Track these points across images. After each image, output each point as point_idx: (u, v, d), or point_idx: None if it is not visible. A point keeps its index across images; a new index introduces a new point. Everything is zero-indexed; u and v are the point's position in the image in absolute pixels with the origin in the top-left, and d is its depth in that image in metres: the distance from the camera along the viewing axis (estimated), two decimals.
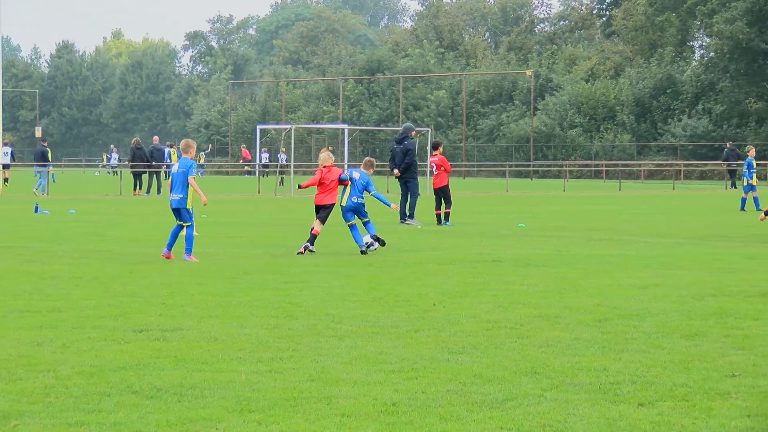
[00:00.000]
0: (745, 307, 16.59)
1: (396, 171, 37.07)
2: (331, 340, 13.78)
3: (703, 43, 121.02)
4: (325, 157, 26.98)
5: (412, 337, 14.06)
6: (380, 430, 9.51)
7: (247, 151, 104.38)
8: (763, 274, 21.18)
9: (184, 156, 24.29)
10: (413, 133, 38.69)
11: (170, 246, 23.78)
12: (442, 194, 35.81)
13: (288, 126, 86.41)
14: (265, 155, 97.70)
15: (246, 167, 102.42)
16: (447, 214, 35.66)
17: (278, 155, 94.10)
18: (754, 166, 46.92)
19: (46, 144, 68.49)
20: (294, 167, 73.51)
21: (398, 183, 37.89)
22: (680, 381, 11.31)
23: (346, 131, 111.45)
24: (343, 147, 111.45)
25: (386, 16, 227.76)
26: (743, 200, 46.44)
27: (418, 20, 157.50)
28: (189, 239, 23.64)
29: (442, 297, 17.86)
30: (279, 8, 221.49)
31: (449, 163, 37.66)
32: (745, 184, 46.87)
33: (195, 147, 25.22)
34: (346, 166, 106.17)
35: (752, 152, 49.13)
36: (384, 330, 14.55)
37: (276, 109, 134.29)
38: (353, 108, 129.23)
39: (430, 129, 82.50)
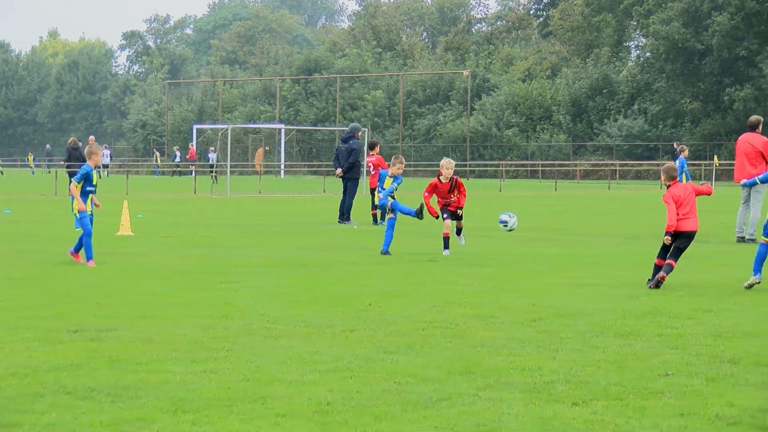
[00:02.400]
0: (678, 306, 16.71)
1: (339, 170, 37.10)
2: (266, 340, 13.76)
3: (639, 44, 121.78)
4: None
5: (348, 337, 14.06)
6: (314, 429, 9.49)
7: (194, 150, 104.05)
8: (698, 273, 21.35)
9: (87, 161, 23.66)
10: (359, 133, 38.75)
11: (77, 248, 23.34)
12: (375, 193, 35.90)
13: (224, 126, 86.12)
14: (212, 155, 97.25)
15: (176, 167, 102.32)
16: (376, 215, 35.73)
17: (208, 155, 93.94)
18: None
19: None
20: (230, 167, 73.21)
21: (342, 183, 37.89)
22: (614, 380, 11.37)
23: (282, 131, 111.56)
24: (280, 147, 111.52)
25: (324, 16, 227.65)
26: None
27: (355, 20, 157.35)
28: (82, 245, 23.09)
29: (378, 297, 17.85)
30: (216, 8, 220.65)
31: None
32: None
33: (100, 153, 24.78)
34: (282, 166, 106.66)
35: (685, 152, 49.58)
36: (319, 330, 14.54)
37: (213, 109, 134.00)
38: (290, 108, 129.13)
39: (367, 129, 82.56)
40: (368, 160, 37.84)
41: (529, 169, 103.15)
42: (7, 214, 41.05)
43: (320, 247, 27.09)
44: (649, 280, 19.47)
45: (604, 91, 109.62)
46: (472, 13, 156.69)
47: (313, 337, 14.05)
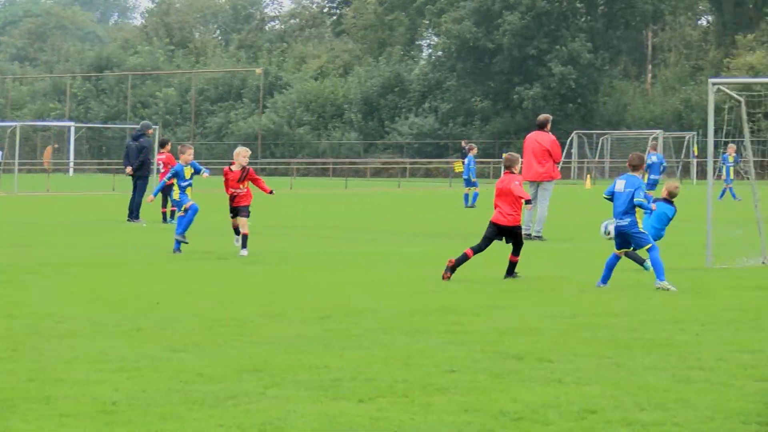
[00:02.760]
0: (465, 302, 16.94)
1: (129, 168, 36.71)
2: (52, 340, 13.57)
3: (432, 42, 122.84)
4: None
5: (134, 335, 13.95)
6: (99, 429, 9.38)
7: None
8: (484, 269, 21.63)
9: None
10: (150, 131, 38.47)
11: None
12: (169, 192, 35.66)
13: (13, 123, 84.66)
14: None
15: None
16: (173, 212, 35.52)
17: None
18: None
19: None
20: (18, 165, 72.01)
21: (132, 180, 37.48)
22: (400, 377, 11.47)
23: (72, 129, 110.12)
24: (69, 144, 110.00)
25: (117, 14, 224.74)
26: (466, 196, 47.44)
27: (148, 17, 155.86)
28: None
29: (166, 295, 17.76)
30: (7, 4, 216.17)
31: (175, 160, 37.50)
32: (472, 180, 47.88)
33: None
34: (71, 164, 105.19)
35: (474, 150, 50.26)
36: (106, 329, 14.40)
37: (1, 106, 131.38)
38: (80, 105, 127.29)
39: (158, 127, 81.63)
40: (158, 158, 37.51)
41: (320, 167, 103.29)
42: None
43: (108, 246, 26.84)
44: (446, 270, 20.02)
45: (395, 89, 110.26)
46: (266, 11, 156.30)
47: (100, 336, 13.91)
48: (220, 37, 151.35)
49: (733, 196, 51.06)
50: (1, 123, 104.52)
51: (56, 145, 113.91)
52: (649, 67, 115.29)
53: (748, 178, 25.77)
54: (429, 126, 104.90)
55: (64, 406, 10.16)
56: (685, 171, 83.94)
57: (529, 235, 28.81)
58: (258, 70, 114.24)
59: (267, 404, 10.31)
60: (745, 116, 24.01)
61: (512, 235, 20.53)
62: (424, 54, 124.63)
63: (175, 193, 26.42)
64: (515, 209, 20.46)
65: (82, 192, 64.20)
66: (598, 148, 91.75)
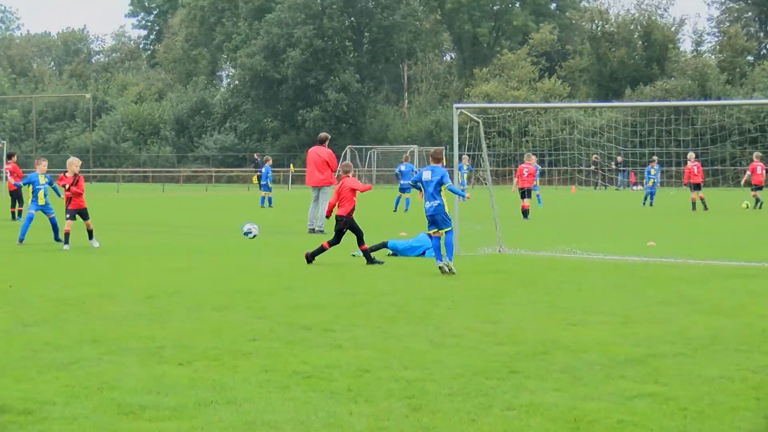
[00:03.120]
0: (262, 285, 16.93)
1: None
2: None
3: (230, 73, 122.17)
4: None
5: None
6: None
7: None
8: (278, 257, 21.65)
9: None
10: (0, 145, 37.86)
11: None
12: (15, 196, 35.17)
13: None
14: None
15: None
16: (20, 212, 34.91)
17: None
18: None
19: None
20: None
21: None
22: (212, 344, 11.44)
23: None
24: None
25: None
26: (263, 199, 47.33)
27: None
28: None
29: (18, 280, 17.37)
30: None
31: (21, 170, 36.89)
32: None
33: None
34: None
35: (269, 162, 50.15)
36: None
37: None
38: None
39: (5, 142, 79.54)
40: (6, 167, 36.72)
41: (141, 174, 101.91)
42: None
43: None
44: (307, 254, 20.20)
45: (201, 111, 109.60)
46: (92, 46, 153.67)
47: None
48: (54, 68, 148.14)
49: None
50: None
51: None
52: (406, 94, 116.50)
53: (485, 184, 26.21)
54: (230, 141, 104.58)
55: None
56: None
57: (313, 229, 28.92)
58: (87, 95, 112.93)
59: (104, 368, 10.20)
60: (482, 133, 24.45)
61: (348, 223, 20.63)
62: (224, 83, 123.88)
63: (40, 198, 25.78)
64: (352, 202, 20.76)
65: None
66: (367, 159, 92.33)
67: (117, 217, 38.33)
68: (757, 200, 43.46)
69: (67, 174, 24.39)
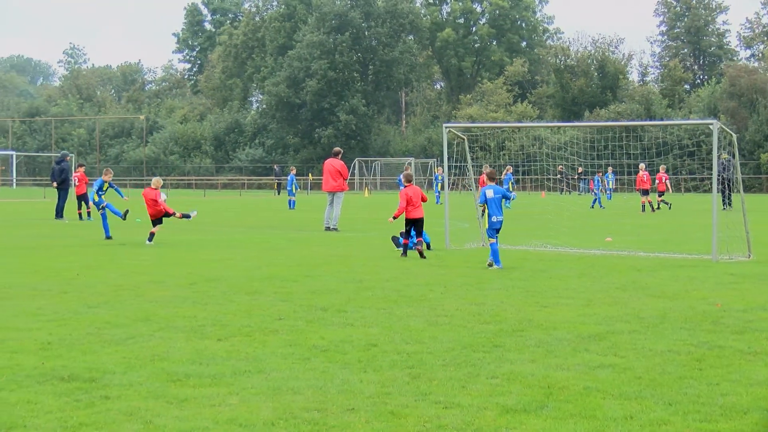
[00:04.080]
0: (288, 273, 16.85)
1: (54, 183, 36.35)
2: (3, 301, 13.16)
3: (258, 99, 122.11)
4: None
5: (62, 297, 13.55)
6: (38, 360, 9.14)
7: None
8: (300, 250, 21.58)
9: None
10: (68, 157, 37.94)
11: None
12: (82, 199, 35.22)
13: None
14: None
15: None
16: (88, 213, 34.97)
17: None
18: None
19: None
20: None
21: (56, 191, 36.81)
22: (245, 323, 11.36)
23: (14, 156, 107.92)
24: (12, 167, 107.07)
25: (41, 77, 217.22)
26: (290, 202, 47.10)
27: (64, 80, 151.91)
28: None
29: (83, 269, 17.32)
30: None
31: (87, 178, 36.90)
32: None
33: None
34: (14, 180, 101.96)
35: (294, 171, 50.08)
36: (41, 292, 13.97)
37: None
38: (19, 140, 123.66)
39: (73, 155, 79.47)
40: (75, 175, 36.69)
41: (186, 182, 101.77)
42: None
43: (41, 236, 25.94)
44: (402, 253, 20.01)
45: (235, 129, 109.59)
46: (145, 76, 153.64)
47: (37, 297, 13.48)
48: (114, 94, 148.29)
49: (437, 200, 49.28)
50: None
51: (3, 168, 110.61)
52: (404, 116, 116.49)
53: (470, 190, 26.10)
54: (259, 154, 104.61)
55: (13, 346, 9.88)
56: (429, 185, 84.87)
57: (329, 227, 28.83)
58: (141, 117, 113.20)
59: (155, 342, 10.12)
60: (467, 148, 24.36)
61: (418, 222, 20.35)
62: (253, 106, 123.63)
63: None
64: (420, 207, 20.48)
65: (22, 199, 62.10)
66: (372, 169, 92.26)
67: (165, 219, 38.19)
68: (654, 204, 42.83)
69: (152, 185, 24.27)
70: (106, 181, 26.11)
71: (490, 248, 18.09)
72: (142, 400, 7.68)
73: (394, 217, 20.82)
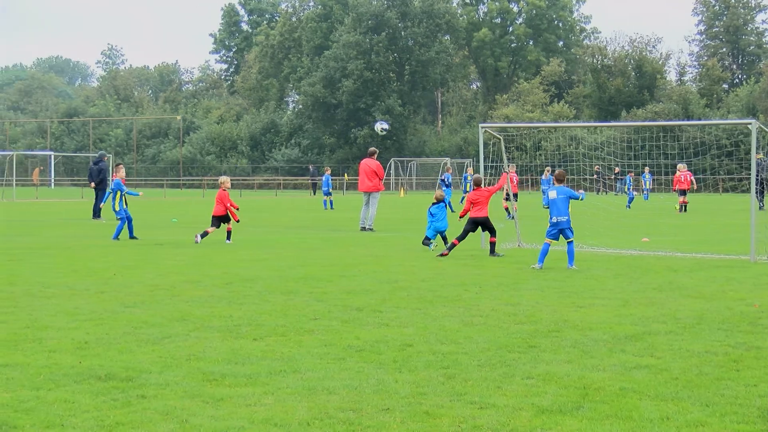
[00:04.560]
0: (322, 273, 16.86)
1: (92, 183, 36.57)
2: (41, 300, 13.22)
3: (294, 99, 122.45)
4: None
5: (99, 296, 13.64)
6: (75, 359, 9.19)
7: None
8: (335, 251, 21.60)
9: None
10: (106, 158, 38.14)
11: None
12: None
13: (10, 152, 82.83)
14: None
15: None
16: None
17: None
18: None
19: None
20: (15, 181, 70.49)
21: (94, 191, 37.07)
22: (280, 323, 11.38)
23: (52, 156, 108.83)
24: (50, 167, 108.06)
25: (80, 78, 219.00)
26: (325, 202, 47.28)
27: (101, 81, 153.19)
28: None
29: (120, 269, 17.42)
30: (2, 71, 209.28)
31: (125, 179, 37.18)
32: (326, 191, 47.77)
33: None
34: (52, 180, 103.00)
35: (329, 171, 50.12)
36: (79, 292, 14.06)
37: (2, 141, 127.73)
38: (57, 140, 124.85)
39: (111, 155, 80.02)
40: (114, 175, 37.03)
41: None
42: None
43: (79, 236, 26.15)
44: (441, 253, 20.02)
45: (271, 130, 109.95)
46: (182, 77, 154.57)
47: (75, 297, 13.58)
48: (151, 95, 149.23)
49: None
50: (1, 152, 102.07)
51: (42, 168, 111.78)
52: (440, 116, 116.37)
53: (505, 189, 26.03)
54: (295, 155, 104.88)
55: (51, 345, 9.94)
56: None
57: (365, 227, 28.85)
58: (178, 117, 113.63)
59: (191, 342, 10.17)
60: (503, 148, 24.31)
61: (485, 224, 20.51)
62: (290, 107, 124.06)
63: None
64: (485, 208, 20.69)
65: (60, 199, 62.68)
66: (408, 170, 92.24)
67: (201, 217, 38.42)
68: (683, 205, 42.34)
69: (224, 188, 24.46)
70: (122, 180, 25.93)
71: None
72: (178, 400, 7.72)
73: (460, 216, 21.21)
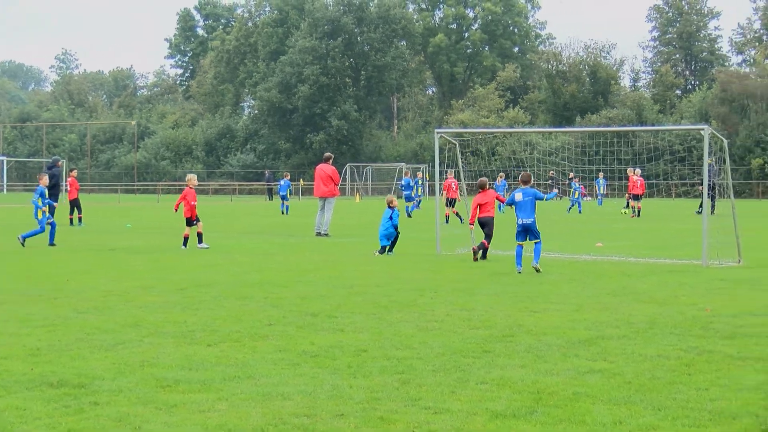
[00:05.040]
0: (277, 278, 16.83)
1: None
2: None
3: (250, 104, 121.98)
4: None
5: (52, 302, 13.52)
6: (28, 366, 9.11)
7: None
8: (292, 256, 21.55)
9: None
10: (59, 163, 37.72)
11: None
12: (74, 204, 35.26)
13: None
14: None
15: None
16: (72, 219, 34.91)
17: None
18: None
19: None
20: None
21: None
22: (235, 328, 11.35)
23: (4, 161, 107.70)
24: (3, 172, 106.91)
25: (33, 83, 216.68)
26: (282, 206, 47.34)
27: (55, 85, 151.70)
28: None
29: (73, 274, 17.27)
30: None
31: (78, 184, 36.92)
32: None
33: None
34: (5, 185, 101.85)
35: (288, 176, 50.02)
36: (31, 298, 13.93)
37: None
38: (10, 145, 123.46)
39: (65, 160, 79.22)
40: (68, 180, 36.84)
41: (177, 187, 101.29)
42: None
43: (32, 242, 25.82)
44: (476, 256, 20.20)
45: (227, 135, 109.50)
46: (137, 82, 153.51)
47: (27, 303, 13.45)
48: (106, 100, 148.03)
49: (417, 205, 49.15)
50: None
51: None
52: (395, 121, 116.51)
53: (461, 195, 26.13)
54: (250, 160, 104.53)
55: (2, 351, 9.87)
56: (417, 191, 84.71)
57: (320, 232, 28.80)
58: (132, 122, 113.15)
59: (145, 348, 10.10)
60: (459, 153, 24.39)
61: (487, 224, 20.89)
62: (245, 112, 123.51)
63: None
64: (492, 210, 21.14)
65: (13, 205, 61.96)
66: (363, 175, 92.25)
67: (156, 223, 38.19)
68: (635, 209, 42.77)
69: (191, 187, 24.25)
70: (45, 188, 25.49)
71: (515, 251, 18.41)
72: (132, 406, 7.67)
73: (471, 224, 21.55)
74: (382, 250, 22.07)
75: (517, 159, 61.47)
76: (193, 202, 24.20)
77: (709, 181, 43.15)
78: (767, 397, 8.03)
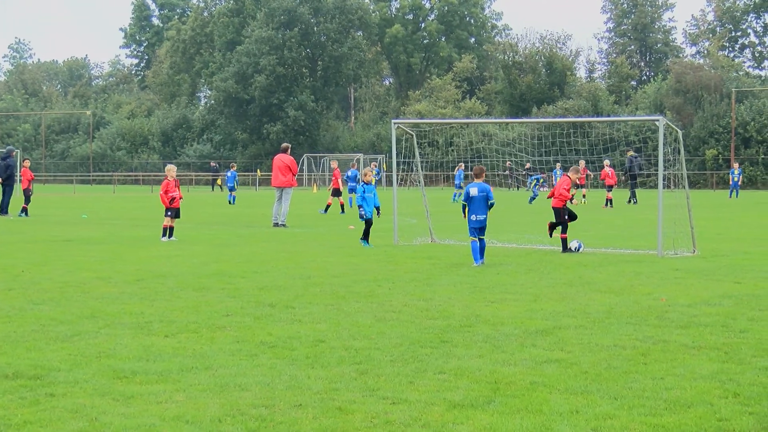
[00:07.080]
0: (235, 269, 16.75)
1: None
2: None
3: (206, 94, 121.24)
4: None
5: (7, 294, 13.39)
6: None
7: None
8: (248, 246, 21.45)
9: None
10: (13, 153, 37.38)
11: None
12: (26, 195, 34.94)
13: None
14: None
15: None
16: (24, 209, 34.62)
17: None
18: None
19: None
20: None
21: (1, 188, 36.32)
22: (192, 319, 11.29)
23: None
24: None
25: None
26: (231, 197, 47.38)
27: (9, 75, 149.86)
28: None
29: (29, 266, 17.09)
30: None
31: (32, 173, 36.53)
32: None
33: None
34: None
35: (234, 168, 49.88)
36: None
37: None
38: None
39: (19, 150, 78.35)
40: (22, 170, 36.45)
41: (133, 178, 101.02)
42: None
43: None
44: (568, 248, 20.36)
45: (183, 125, 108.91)
46: (92, 71, 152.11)
47: None
48: (60, 89, 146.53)
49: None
50: None
51: None
52: (353, 112, 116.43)
53: (418, 185, 26.14)
54: (207, 150, 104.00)
55: None
56: (378, 182, 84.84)
57: (277, 223, 28.72)
58: (88, 112, 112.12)
59: (102, 339, 10.03)
60: (416, 144, 24.42)
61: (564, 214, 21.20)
62: (201, 102, 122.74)
63: None
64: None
65: None
66: (321, 165, 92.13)
67: (112, 213, 37.92)
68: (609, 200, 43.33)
69: (169, 177, 23.94)
70: None
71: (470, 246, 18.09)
72: (88, 398, 7.61)
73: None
74: (361, 217, 21.75)
75: (474, 149, 61.65)
76: (171, 193, 23.87)
77: (632, 171, 45.48)
78: (722, 386, 8.12)
